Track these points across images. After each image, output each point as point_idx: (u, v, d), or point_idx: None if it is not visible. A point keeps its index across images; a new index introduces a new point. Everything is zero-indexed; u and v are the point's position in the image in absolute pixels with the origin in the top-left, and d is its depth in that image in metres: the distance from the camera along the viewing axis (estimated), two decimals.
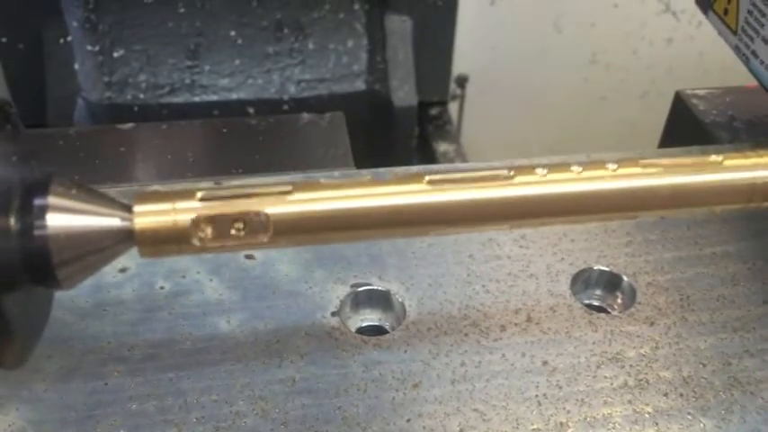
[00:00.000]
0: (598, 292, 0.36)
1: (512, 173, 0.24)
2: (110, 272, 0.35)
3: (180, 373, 0.31)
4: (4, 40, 0.86)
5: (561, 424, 0.30)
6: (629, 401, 0.30)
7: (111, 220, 0.21)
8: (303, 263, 0.36)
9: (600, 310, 0.35)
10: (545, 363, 0.32)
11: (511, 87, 1.05)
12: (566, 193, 0.23)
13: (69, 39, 0.90)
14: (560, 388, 0.31)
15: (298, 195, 0.21)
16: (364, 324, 0.34)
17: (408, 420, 0.30)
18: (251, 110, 0.91)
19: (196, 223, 0.20)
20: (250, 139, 0.50)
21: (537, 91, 1.05)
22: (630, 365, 0.32)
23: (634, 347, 0.32)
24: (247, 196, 0.21)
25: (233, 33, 0.94)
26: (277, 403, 0.30)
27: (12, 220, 0.19)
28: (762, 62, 0.40)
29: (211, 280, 0.35)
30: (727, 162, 0.23)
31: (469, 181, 0.23)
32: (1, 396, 0.29)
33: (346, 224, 0.22)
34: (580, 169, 0.25)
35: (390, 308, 0.34)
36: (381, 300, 0.34)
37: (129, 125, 0.53)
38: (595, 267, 0.35)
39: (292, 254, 0.36)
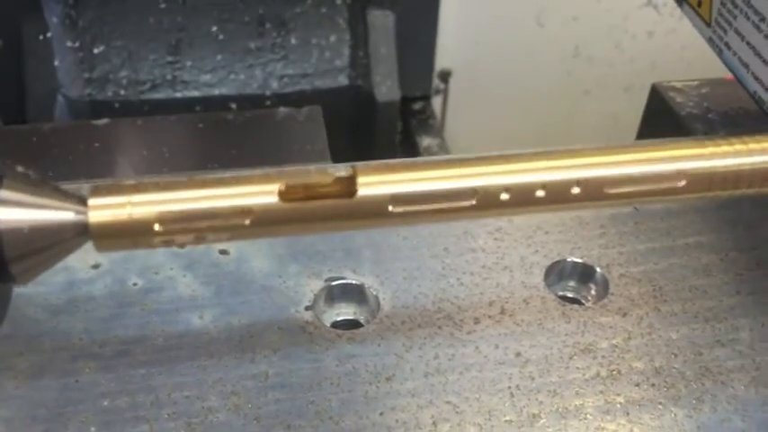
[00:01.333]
0: (572, 283, 0.36)
1: (473, 202, 0.23)
2: (82, 268, 0.34)
3: (152, 369, 0.31)
4: None
5: (534, 415, 0.30)
6: (601, 392, 0.31)
7: (65, 214, 0.20)
8: (277, 257, 0.36)
9: (574, 301, 0.35)
10: (518, 354, 0.32)
11: (494, 81, 1.05)
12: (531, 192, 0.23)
13: (49, 35, 0.89)
14: (533, 379, 0.31)
15: (261, 198, 0.21)
16: (339, 318, 0.34)
17: (381, 414, 0.30)
18: (233, 105, 0.90)
19: (152, 220, 0.20)
20: (227, 134, 0.50)
21: (520, 85, 1.06)
22: (603, 356, 0.32)
23: (606, 338, 0.32)
24: (207, 195, 0.20)
25: (215, 29, 0.94)
26: (250, 398, 0.30)
27: None
28: (734, 54, 0.40)
29: (185, 276, 0.34)
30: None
31: (432, 212, 0.22)
32: None
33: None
34: (543, 194, 0.25)
35: (365, 301, 0.34)
36: (356, 293, 0.34)
37: (104, 120, 0.52)
38: (569, 259, 0.35)
39: (267, 248, 0.36)
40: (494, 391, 0.30)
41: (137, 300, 0.33)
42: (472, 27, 1.02)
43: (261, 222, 0.21)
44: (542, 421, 0.29)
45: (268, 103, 0.90)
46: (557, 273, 0.35)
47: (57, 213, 0.20)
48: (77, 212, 0.20)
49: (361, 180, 0.22)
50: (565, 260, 0.35)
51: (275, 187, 0.21)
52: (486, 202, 0.23)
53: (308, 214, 0.21)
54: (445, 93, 1.10)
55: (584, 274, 0.35)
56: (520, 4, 1.01)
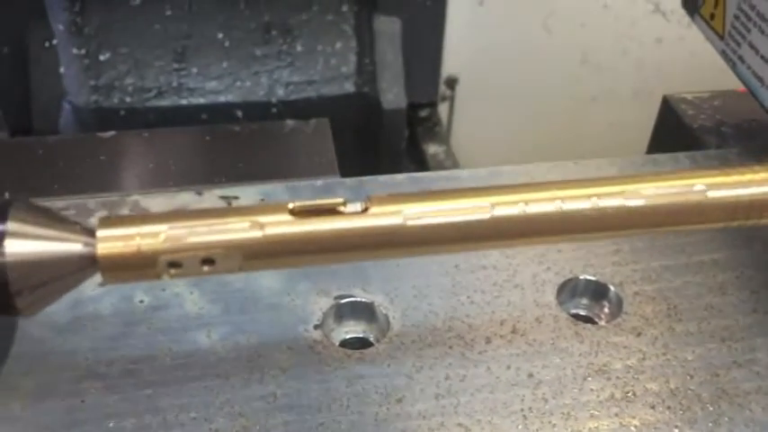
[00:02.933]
0: (584, 301, 0.35)
1: (492, 213, 0.23)
2: (88, 286, 0.34)
3: (159, 389, 0.30)
4: None
5: None
6: (616, 414, 0.30)
7: (73, 246, 0.20)
8: (286, 275, 0.35)
9: (586, 319, 0.35)
10: (530, 375, 0.31)
11: (501, 88, 1.05)
12: (546, 221, 0.23)
13: (55, 42, 0.89)
14: (546, 401, 0.30)
15: (269, 228, 0.21)
16: (348, 336, 0.34)
17: None
18: (239, 113, 0.90)
19: (161, 252, 0.20)
20: (234, 147, 0.50)
21: (527, 92, 1.05)
22: (617, 377, 0.31)
23: (620, 359, 0.32)
24: (216, 229, 0.20)
25: (220, 36, 0.93)
26: (258, 420, 0.29)
27: None
28: (749, 67, 0.40)
29: (192, 293, 0.34)
30: (711, 193, 0.22)
31: (447, 227, 0.22)
32: None
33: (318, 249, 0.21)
34: (561, 206, 0.25)
35: (374, 320, 0.34)
36: (365, 312, 0.34)
37: (111, 133, 0.52)
38: (581, 277, 0.35)
39: None
40: (506, 414, 0.30)
41: (143, 318, 0.33)
42: (478, 34, 1.02)
43: (273, 243, 0.20)
44: None
45: (274, 110, 0.90)
46: (569, 291, 0.35)
47: (64, 245, 0.20)
48: (85, 244, 0.20)
49: (374, 208, 0.21)
50: (577, 278, 0.35)
51: (286, 207, 0.21)
52: (499, 226, 0.22)
53: (321, 233, 0.21)
54: (452, 100, 1.09)
55: (597, 292, 0.35)
56: (526, 10, 1.00)
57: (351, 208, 0.21)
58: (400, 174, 0.41)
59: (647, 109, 1.12)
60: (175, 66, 0.96)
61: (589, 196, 0.22)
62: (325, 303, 0.34)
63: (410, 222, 0.20)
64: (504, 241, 0.23)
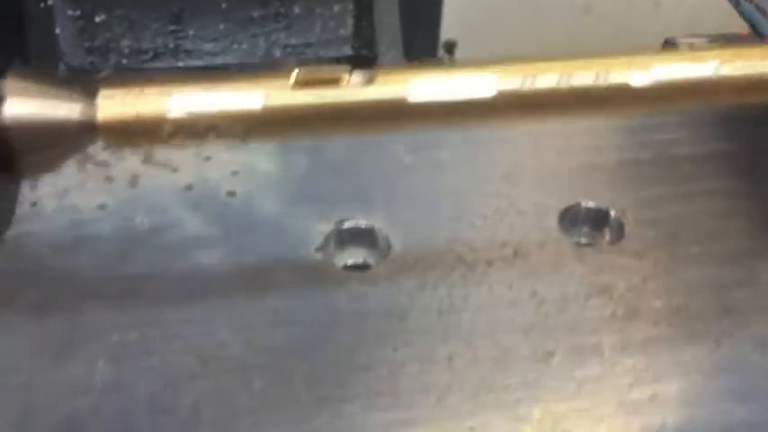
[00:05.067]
0: (585, 229, 0.35)
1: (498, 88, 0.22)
2: (88, 208, 0.34)
3: (161, 306, 0.30)
4: None
5: (549, 352, 0.29)
6: (619, 331, 0.30)
7: (74, 107, 0.20)
8: (286, 199, 0.35)
9: (588, 246, 0.35)
10: (533, 294, 0.31)
11: (501, 52, 1.04)
12: (551, 96, 0.22)
13: (50, 3, 0.88)
14: (548, 317, 0.30)
15: (270, 97, 0.20)
16: (349, 262, 0.34)
17: (395, 349, 0.29)
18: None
19: (161, 118, 0.19)
20: None
21: (529, 48, 1.04)
22: (620, 296, 0.31)
23: (623, 279, 0.32)
24: (218, 97, 0.20)
25: None
26: (261, 333, 0.29)
27: None
28: (751, 1, 0.39)
29: (192, 215, 0.34)
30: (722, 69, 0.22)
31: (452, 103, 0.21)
32: None
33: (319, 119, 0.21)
34: (564, 88, 0.24)
35: (375, 245, 0.34)
36: (366, 236, 0.34)
37: (105, 73, 0.51)
38: (583, 204, 0.35)
39: (275, 189, 0.35)
40: (508, 329, 0.30)
41: (144, 239, 0.33)
42: None
43: (273, 112, 0.20)
44: (557, 357, 0.29)
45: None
46: (570, 217, 0.35)
47: (65, 106, 0.19)
48: (86, 106, 0.20)
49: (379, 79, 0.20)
50: (578, 205, 0.35)
51: (288, 76, 0.20)
52: (505, 100, 0.22)
53: (323, 105, 0.20)
54: (451, 62, 1.09)
55: (598, 218, 0.35)
56: None
57: (355, 79, 0.21)
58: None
59: None
60: (172, 27, 0.95)
61: (596, 71, 0.22)
62: (325, 227, 0.34)
63: (413, 99, 0.20)
64: (509, 117, 0.23)
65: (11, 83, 0.19)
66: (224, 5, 1.05)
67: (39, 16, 0.96)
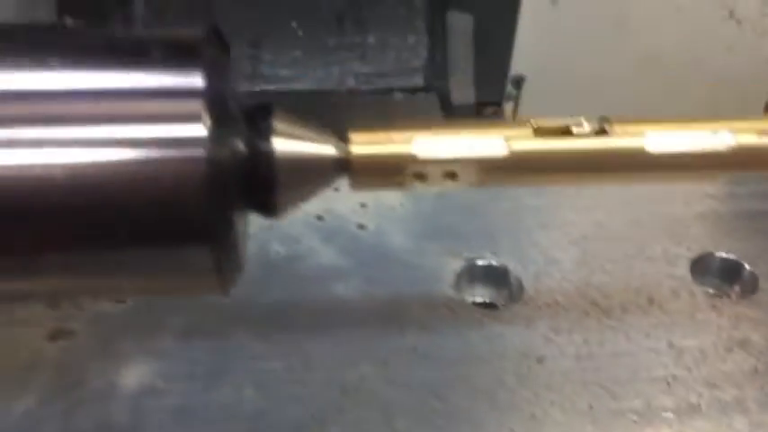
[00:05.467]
0: (716, 279, 0.35)
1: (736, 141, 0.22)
2: None
3: (301, 335, 0.31)
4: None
5: (693, 406, 0.29)
6: (761, 386, 0.30)
7: (329, 148, 0.20)
8: (415, 235, 0.35)
9: (717, 297, 0.34)
10: (671, 344, 0.31)
11: (568, 89, 1.04)
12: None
13: (133, 29, 0.91)
14: (689, 370, 0.30)
15: (514, 144, 0.21)
16: (478, 299, 0.34)
17: (536, 393, 0.29)
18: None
19: (409, 161, 0.20)
20: (341, 116, 0.50)
21: (595, 93, 1.04)
22: (759, 351, 0.31)
23: (760, 333, 0.32)
24: (463, 143, 0.20)
25: (294, 24, 0.95)
26: (400, 369, 0.30)
27: (238, 141, 0.19)
28: None
29: (325, 246, 0.35)
30: None
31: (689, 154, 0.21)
32: (128, 349, 0.29)
33: (568, 167, 0.21)
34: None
35: (505, 284, 0.34)
36: (497, 275, 0.34)
37: None
38: (716, 254, 0.35)
39: (404, 225, 0.36)
40: (649, 379, 0.30)
41: (281, 267, 0.33)
42: (549, 33, 1.01)
43: (516, 159, 0.20)
44: (703, 412, 0.29)
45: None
46: (702, 266, 0.35)
47: (322, 147, 0.20)
48: (339, 148, 0.20)
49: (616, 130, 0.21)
50: (711, 254, 0.35)
51: (528, 125, 0.21)
52: (741, 153, 0.22)
53: (564, 152, 0.21)
54: (517, 99, 1.09)
55: (731, 269, 0.35)
56: (599, 11, 1.00)
57: (588, 128, 0.21)
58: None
59: (712, 112, 1.09)
60: (250, 52, 0.98)
61: None
62: (456, 264, 0.34)
63: (651, 148, 0.20)
64: (743, 169, 0.22)
65: (278, 122, 0.20)
66: (300, 33, 1.07)
67: None
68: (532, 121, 0.21)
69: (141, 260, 0.18)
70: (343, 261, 0.34)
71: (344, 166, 0.21)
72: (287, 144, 0.20)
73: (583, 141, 0.21)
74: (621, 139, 0.21)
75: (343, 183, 0.38)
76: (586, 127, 0.21)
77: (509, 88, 1.15)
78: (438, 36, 1.02)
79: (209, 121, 0.18)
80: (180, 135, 0.18)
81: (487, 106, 1.10)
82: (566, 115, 0.22)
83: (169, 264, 0.19)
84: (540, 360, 0.30)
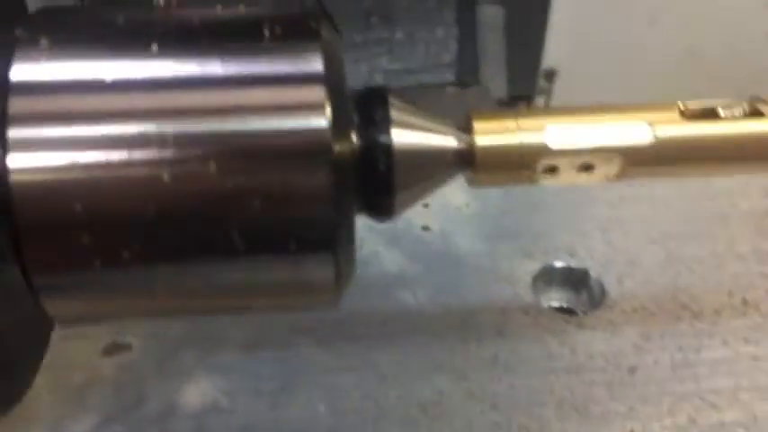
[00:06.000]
0: None
1: None
2: None
3: (370, 347, 0.29)
4: None
5: None
6: None
7: (450, 139, 0.18)
8: (484, 236, 0.33)
9: None
10: None
11: (601, 82, 1.01)
12: None
13: None
14: None
15: (660, 130, 0.18)
16: (555, 304, 0.32)
17: (630, 407, 0.27)
18: None
19: (541, 151, 0.18)
20: None
21: (628, 87, 1.01)
22: None
23: None
24: (601, 129, 0.18)
25: None
26: (482, 383, 0.27)
27: (354, 134, 0.17)
28: None
29: (389, 251, 0.32)
30: None
31: None
32: (189, 364, 0.27)
33: (715, 155, 0.19)
34: None
35: (585, 287, 0.32)
36: (576, 278, 0.32)
37: None
38: None
39: (471, 226, 0.34)
40: (753, 390, 0.27)
41: None
42: (581, 25, 0.99)
43: (663, 147, 0.18)
44: None
45: None
46: None
47: (442, 138, 0.18)
48: (462, 138, 0.18)
49: None
50: None
51: (675, 108, 0.18)
52: None
53: (717, 137, 0.18)
54: (549, 93, 1.06)
55: None
56: (632, 2, 0.97)
57: (740, 111, 0.19)
58: None
59: None
60: None
61: None
62: (531, 267, 0.32)
63: None
64: None
65: (395, 110, 0.17)
66: None
67: None
68: (679, 103, 0.19)
69: (256, 270, 0.16)
70: (409, 267, 0.32)
71: (468, 160, 0.19)
72: (406, 136, 0.18)
73: (736, 125, 0.19)
74: None
75: None
76: (737, 110, 0.19)
77: (541, 82, 1.12)
78: (468, 29, 0.99)
79: (330, 113, 0.15)
80: (301, 127, 0.15)
81: (519, 101, 1.07)
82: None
83: (286, 273, 0.17)
84: (633, 370, 0.28)
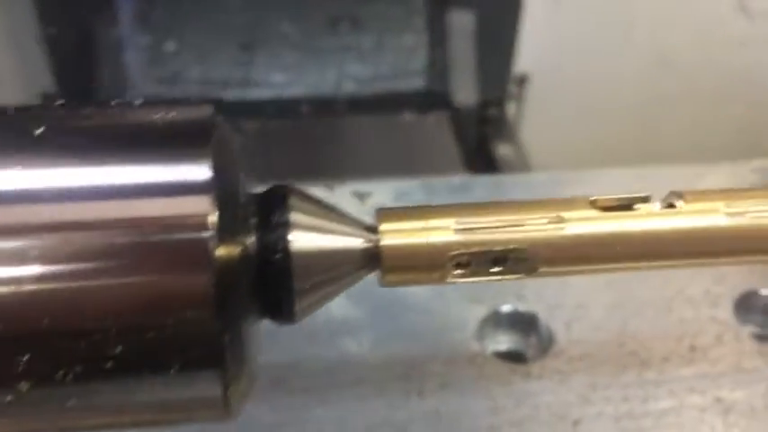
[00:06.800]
0: (763, 318, 0.32)
1: None
2: None
3: (311, 400, 0.28)
4: (52, 31, 0.83)
5: None
6: None
7: (354, 240, 0.17)
8: None
9: (762, 338, 0.31)
10: (718, 400, 0.28)
11: (573, 88, 1.01)
12: None
13: (120, 31, 0.88)
14: (738, 428, 0.27)
15: (570, 225, 0.18)
16: (503, 348, 0.31)
17: None
18: (305, 107, 0.88)
19: (451, 248, 0.17)
20: (348, 139, 0.47)
21: (601, 93, 1.01)
22: None
23: None
24: (509, 225, 0.17)
25: (287, 28, 0.91)
26: None
27: (249, 239, 0.16)
28: None
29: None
30: None
31: None
32: None
33: (631, 254, 0.18)
34: None
35: (534, 332, 0.31)
36: (524, 323, 0.31)
37: None
38: (761, 292, 0.32)
39: None
40: None
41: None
42: (553, 30, 0.98)
43: (578, 242, 0.17)
44: None
45: (340, 105, 0.87)
46: (746, 306, 0.32)
47: (346, 239, 0.17)
48: (368, 239, 0.17)
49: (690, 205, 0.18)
50: (756, 293, 0.32)
51: (586, 201, 0.18)
52: None
53: (634, 232, 0.18)
54: (520, 98, 1.06)
55: None
56: (604, 8, 0.97)
57: (657, 204, 0.18)
58: (541, 172, 0.38)
59: (728, 112, 1.07)
60: (242, 58, 0.94)
61: None
62: (479, 312, 0.31)
63: (734, 221, 0.17)
64: None
65: (295, 211, 0.16)
66: (293, 36, 1.03)
67: (107, 45, 0.96)
68: (591, 197, 0.18)
69: (135, 386, 0.15)
70: (354, 312, 0.31)
71: (375, 261, 0.18)
72: (306, 238, 0.17)
73: (651, 220, 0.18)
74: (695, 216, 0.18)
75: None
76: (653, 204, 0.18)
77: (513, 88, 1.11)
78: (438, 35, 0.98)
79: (217, 221, 0.14)
80: (184, 237, 0.14)
81: (489, 107, 1.07)
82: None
83: (170, 391, 0.16)
84: (577, 423, 0.27)
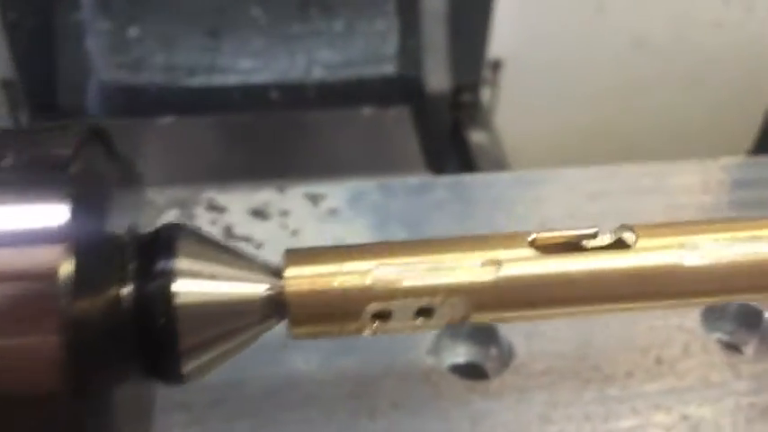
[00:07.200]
0: (732, 326, 0.31)
1: None
2: None
3: (254, 425, 0.26)
4: (12, 17, 0.79)
5: None
6: None
7: (254, 286, 0.15)
8: None
9: (731, 346, 0.30)
10: (684, 417, 0.27)
11: (548, 72, 0.99)
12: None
13: (81, 15, 0.84)
14: None
15: (506, 267, 0.16)
16: (461, 361, 0.29)
17: None
18: (274, 93, 0.85)
19: (369, 297, 0.15)
20: (309, 135, 0.45)
21: (577, 77, 1.00)
22: None
23: None
24: (437, 269, 0.15)
25: (256, 12, 0.88)
26: None
27: (125, 290, 0.14)
28: None
29: None
30: None
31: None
32: None
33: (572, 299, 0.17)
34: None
35: (494, 344, 0.29)
36: (482, 335, 0.29)
37: (169, 119, 0.47)
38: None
39: None
40: None
41: None
42: (527, 15, 0.96)
43: (513, 287, 0.15)
44: None
45: (310, 92, 0.85)
46: (715, 314, 0.30)
47: (243, 286, 0.15)
48: (271, 285, 0.15)
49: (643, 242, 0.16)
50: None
51: (525, 240, 0.16)
52: None
53: (574, 272, 0.16)
54: (494, 84, 1.04)
55: (748, 316, 0.30)
56: None
57: (605, 240, 0.16)
58: (504, 172, 0.36)
59: (702, 95, 1.06)
60: (207, 43, 0.91)
61: None
62: None
63: (694, 262, 0.16)
64: None
65: (183, 255, 0.14)
66: (262, 21, 1.00)
67: (68, 31, 0.92)
68: (530, 235, 0.16)
69: None
70: None
71: (280, 310, 0.16)
72: (194, 287, 0.15)
73: (597, 258, 0.16)
74: (649, 253, 0.16)
75: (300, 222, 0.33)
76: (599, 240, 0.16)
77: (487, 73, 1.09)
78: (410, 20, 0.96)
79: (72, 271, 0.12)
80: (30, 293, 0.12)
81: (464, 92, 1.04)
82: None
83: None
84: None
